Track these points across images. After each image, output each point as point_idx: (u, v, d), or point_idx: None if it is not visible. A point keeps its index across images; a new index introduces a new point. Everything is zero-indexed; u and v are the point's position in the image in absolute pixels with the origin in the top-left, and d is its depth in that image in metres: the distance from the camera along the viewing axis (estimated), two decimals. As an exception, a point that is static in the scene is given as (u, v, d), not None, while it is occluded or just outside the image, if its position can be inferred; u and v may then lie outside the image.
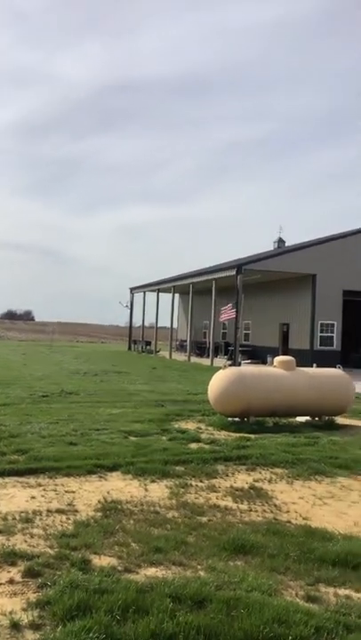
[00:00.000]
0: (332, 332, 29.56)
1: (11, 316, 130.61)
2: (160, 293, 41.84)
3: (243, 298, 28.39)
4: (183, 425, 10.94)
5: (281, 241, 42.30)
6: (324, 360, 19.27)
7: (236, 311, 27.90)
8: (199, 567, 4.44)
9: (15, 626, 3.49)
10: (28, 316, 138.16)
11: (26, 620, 3.54)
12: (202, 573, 4.31)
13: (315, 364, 13.52)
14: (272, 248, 41.98)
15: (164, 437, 9.61)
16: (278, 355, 18.74)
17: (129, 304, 48.54)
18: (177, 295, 41.55)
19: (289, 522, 5.69)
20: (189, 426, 10.89)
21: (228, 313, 28.26)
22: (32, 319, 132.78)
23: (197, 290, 35.69)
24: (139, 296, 46.72)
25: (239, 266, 29.18)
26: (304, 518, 5.85)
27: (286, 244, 41.02)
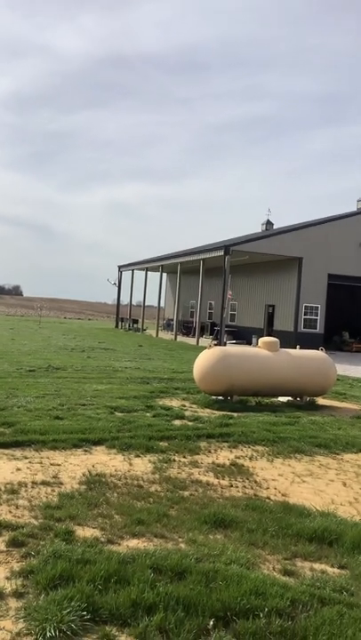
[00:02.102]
0: (317, 314, 29.83)
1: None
2: (148, 272, 41.73)
3: (230, 278, 28.44)
4: (168, 402, 11.05)
5: (269, 223, 42.29)
6: (307, 342, 19.50)
7: (223, 292, 27.96)
8: (180, 540, 4.56)
9: (-1, 593, 3.57)
10: (16, 291, 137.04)
11: (9, 589, 3.63)
12: (182, 546, 4.42)
13: (298, 346, 13.68)
14: (260, 230, 41.94)
15: (148, 414, 9.71)
16: (263, 336, 18.89)
17: (117, 282, 48.38)
18: (165, 274, 41.45)
19: (268, 498, 5.84)
20: (174, 403, 11.01)
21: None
22: (20, 294, 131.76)
23: (185, 269, 35.65)
24: (127, 274, 46.55)
25: (227, 246, 29.16)
26: (283, 495, 6.00)
27: (275, 227, 41.03)
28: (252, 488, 6.15)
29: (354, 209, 33.51)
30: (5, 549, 4.19)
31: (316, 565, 4.34)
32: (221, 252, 29.02)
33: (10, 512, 4.91)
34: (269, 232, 37.00)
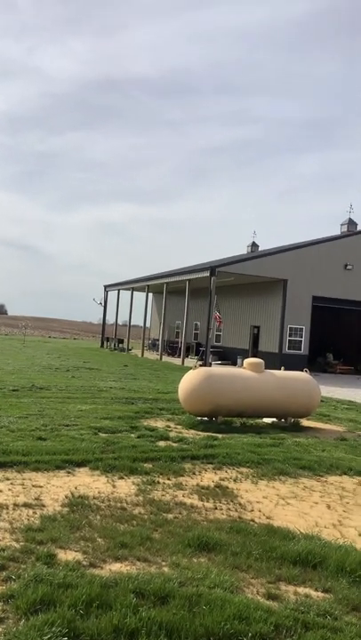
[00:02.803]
0: (301, 336, 30.05)
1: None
2: (134, 292, 41.78)
3: (216, 300, 28.58)
4: (152, 423, 10.99)
5: (254, 245, 42.75)
6: (292, 363, 19.58)
7: (209, 313, 28.07)
8: (163, 563, 4.51)
9: (-22, 619, 3.49)
10: (0, 310, 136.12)
11: (-11, 614, 3.55)
12: (166, 569, 4.37)
13: (283, 367, 13.73)
14: (246, 252, 42.35)
15: (133, 435, 9.64)
16: (248, 357, 18.95)
17: (103, 301, 48.33)
18: (151, 294, 41.57)
19: (253, 520, 5.81)
20: (158, 424, 10.95)
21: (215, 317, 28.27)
22: (5, 313, 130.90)
23: (171, 290, 35.78)
24: (113, 294, 46.55)
25: (213, 268, 29.38)
26: (267, 517, 5.97)
27: (260, 249, 41.47)
28: (236, 510, 6.12)
29: (338, 232, 34.07)
30: (-15, 573, 4.11)
31: (301, 589, 4.31)
32: (207, 273, 29.21)
33: (-10, 535, 4.82)
34: (255, 254, 37.37)
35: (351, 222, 33.85)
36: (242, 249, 44.41)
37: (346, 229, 33.56)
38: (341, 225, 34.13)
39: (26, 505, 5.69)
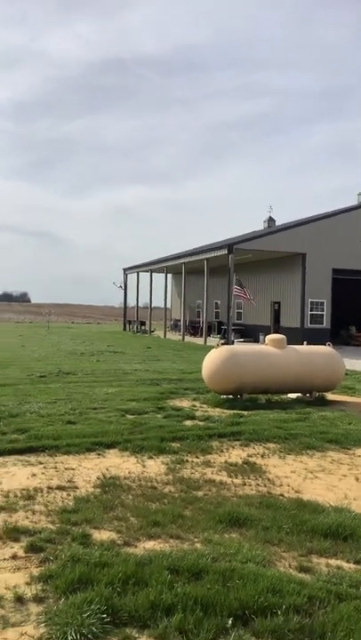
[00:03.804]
0: (322, 310, 29.77)
1: (7, 297, 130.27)
2: (153, 274, 41.79)
3: (236, 278, 28.43)
4: (178, 403, 11.09)
5: (271, 220, 42.20)
6: (314, 338, 19.45)
7: (229, 291, 27.97)
8: (196, 540, 4.60)
9: (19, 599, 3.62)
10: (23, 298, 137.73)
11: (29, 594, 3.68)
12: (198, 546, 4.46)
13: (305, 342, 13.67)
14: (262, 228, 41.89)
15: (159, 415, 9.76)
16: (270, 333, 18.90)
17: (123, 285, 48.48)
18: (170, 275, 41.50)
19: (282, 495, 5.87)
20: (184, 404, 11.04)
21: (240, 294, 27.99)
22: (28, 301, 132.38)
23: (190, 270, 35.67)
24: (132, 277, 46.64)
25: (230, 245, 29.16)
26: (296, 491, 6.02)
27: (277, 224, 40.97)
28: (265, 486, 6.18)
29: (355, 203, 33.41)
30: (24, 555, 4.25)
31: (332, 561, 4.36)
32: (225, 252, 29.03)
33: (27, 518, 4.97)
34: (272, 229, 36.94)
35: (369, 191, 33.13)
36: (258, 225, 43.95)
37: (364, 199, 32.88)
38: (359, 195, 33.46)
39: (59, 487, 5.84)
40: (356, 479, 6.57)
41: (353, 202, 33.62)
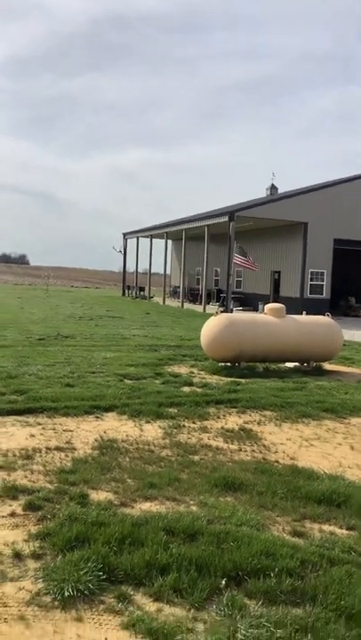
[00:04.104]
0: (322, 280, 29.68)
1: (5, 259, 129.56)
2: (153, 239, 41.45)
3: (236, 245, 28.21)
4: (176, 369, 11.14)
5: (274, 187, 41.62)
6: (313, 308, 19.47)
7: (229, 259, 27.80)
8: (192, 502, 4.67)
9: (17, 555, 3.69)
10: (22, 260, 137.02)
11: (27, 551, 3.75)
12: (194, 508, 4.53)
13: (304, 312, 13.65)
14: (265, 195, 41.36)
15: (157, 381, 9.81)
16: (269, 302, 18.86)
17: (122, 249, 48.13)
18: (170, 241, 41.18)
19: (277, 461, 5.94)
20: (182, 370, 11.09)
21: (244, 263, 27.68)
22: (27, 263, 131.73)
23: (190, 236, 35.36)
24: (132, 242, 46.26)
25: (231, 212, 28.83)
26: (291, 458, 6.10)
27: (279, 191, 40.44)
28: (260, 452, 6.25)
29: (359, 172, 32.91)
30: (22, 513, 4.31)
31: (325, 527, 4.44)
32: (226, 218, 28.71)
33: (25, 477, 5.03)
34: (274, 197, 36.46)
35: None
36: (261, 192, 43.38)
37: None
38: (365, 164, 32.90)
39: (58, 448, 5.90)
40: (351, 448, 6.65)
41: (358, 170, 33.12)
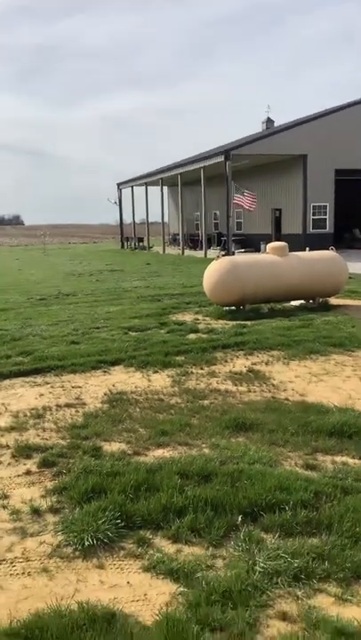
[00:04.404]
0: (325, 214, 29.13)
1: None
2: (148, 187, 40.61)
3: (233, 185, 27.59)
4: (180, 317, 11.11)
5: (270, 121, 40.27)
6: (317, 243, 19.19)
7: (227, 200, 27.26)
8: (203, 446, 4.71)
9: (36, 511, 3.76)
10: (16, 221, 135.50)
11: (45, 506, 3.81)
12: (206, 451, 4.58)
13: (307, 248, 13.44)
14: (261, 129, 40.08)
15: (162, 330, 9.79)
16: (272, 241, 18.59)
17: (117, 201, 47.33)
18: (166, 188, 40.35)
19: (286, 399, 5.96)
20: (187, 318, 11.06)
21: (246, 201, 27.00)
22: (21, 223, 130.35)
23: (186, 180, 34.58)
24: (127, 192, 45.40)
25: (227, 151, 28.05)
26: (301, 395, 6.12)
27: (276, 124, 39.17)
28: (269, 391, 6.28)
29: (358, 97, 31.67)
30: (37, 470, 4.38)
31: (338, 458, 4.48)
32: (222, 158, 27.97)
33: (38, 435, 5.09)
34: (269, 131, 35.32)
35: (371, 84, 31.28)
36: (257, 127, 42.03)
37: (366, 93, 31.12)
38: (361, 88, 31.63)
39: (68, 405, 5.94)
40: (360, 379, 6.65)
41: (356, 96, 31.88)
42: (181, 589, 2.95)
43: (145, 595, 2.95)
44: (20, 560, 3.28)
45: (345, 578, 2.99)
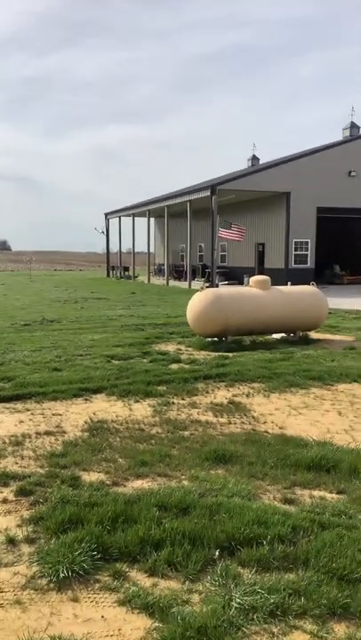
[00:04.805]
0: (307, 249, 29.71)
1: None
2: (136, 218, 41.06)
3: (218, 219, 28.05)
4: (163, 347, 11.14)
5: (255, 158, 41.30)
6: (299, 278, 19.48)
7: (212, 233, 27.67)
8: (183, 477, 4.70)
9: (11, 541, 3.70)
10: (3, 246, 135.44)
11: (21, 536, 3.76)
12: (185, 483, 4.56)
13: (289, 282, 13.67)
14: (246, 166, 41.04)
15: (145, 360, 9.80)
16: (255, 275, 18.85)
17: (104, 230, 47.69)
18: (153, 219, 40.85)
19: (266, 432, 5.99)
20: (170, 348, 11.10)
21: (229, 235, 27.31)
22: (8, 249, 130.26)
23: (173, 213, 35.09)
24: (115, 222, 45.83)
25: (213, 186, 28.62)
26: (280, 427, 6.15)
27: (261, 162, 40.13)
28: (250, 423, 6.30)
29: (340, 138, 32.70)
30: (14, 499, 4.32)
31: (316, 492, 4.50)
32: (208, 193, 28.51)
33: (16, 463, 5.03)
34: (255, 168, 36.22)
35: (354, 126, 32.30)
36: (242, 164, 43.05)
37: (348, 134, 32.14)
38: (343, 129, 32.68)
39: (47, 433, 5.89)
40: (339, 413, 6.72)
41: (340, 136, 32.89)
42: (156, 624, 2.91)
43: (119, 630, 2.90)
44: (-7, 591, 3.21)
45: (321, 615, 2.98)
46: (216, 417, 6.52)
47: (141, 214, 40.02)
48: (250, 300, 11.82)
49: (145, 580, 3.30)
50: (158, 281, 37.10)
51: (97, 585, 3.26)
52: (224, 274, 32.81)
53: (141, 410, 6.78)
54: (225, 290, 13.59)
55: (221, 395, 7.53)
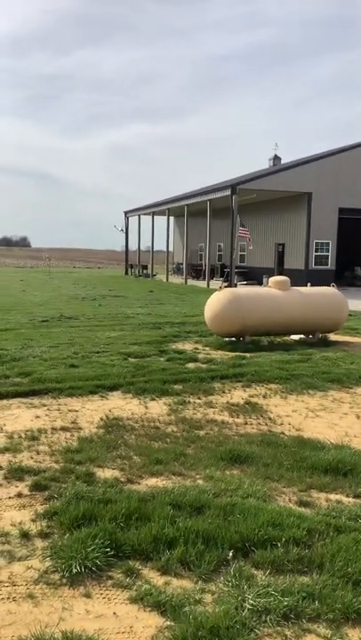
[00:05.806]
0: (328, 251, 29.46)
1: (6, 242, 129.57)
2: (155, 216, 41.13)
3: (238, 218, 27.95)
4: (180, 346, 11.13)
5: (276, 158, 41.09)
6: (318, 279, 19.33)
7: (232, 233, 27.59)
8: (198, 477, 4.68)
9: (25, 535, 3.71)
10: (23, 243, 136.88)
11: (35, 530, 3.77)
12: (200, 482, 4.54)
13: (309, 284, 13.55)
14: (268, 166, 40.83)
15: (162, 358, 9.79)
16: (274, 275, 18.73)
17: (124, 228, 47.87)
18: (172, 218, 40.86)
19: (283, 433, 5.93)
20: (187, 347, 11.07)
21: (246, 234, 27.40)
22: (28, 245, 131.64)
23: (193, 212, 35.06)
24: (134, 220, 45.96)
25: (233, 186, 28.52)
26: (297, 430, 6.09)
27: (283, 161, 39.89)
28: (266, 424, 6.25)
29: (364, 139, 32.31)
30: (29, 493, 4.33)
31: (332, 496, 4.44)
32: (228, 192, 28.42)
33: (31, 458, 5.05)
34: (277, 168, 36.01)
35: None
36: (264, 163, 42.84)
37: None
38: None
39: (63, 428, 5.91)
40: (357, 417, 6.63)
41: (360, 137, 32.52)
42: (168, 623, 2.89)
43: (131, 627, 2.89)
44: (6, 584, 3.22)
45: (335, 619, 2.93)
46: (232, 417, 6.48)
47: (161, 213, 40.06)
48: (268, 300, 11.74)
49: (157, 579, 3.28)
50: (176, 280, 37.11)
51: (109, 581, 3.25)
52: (243, 274, 32.71)
53: (157, 408, 6.77)
54: (243, 290, 13.53)
55: (238, 395, 7.48)
